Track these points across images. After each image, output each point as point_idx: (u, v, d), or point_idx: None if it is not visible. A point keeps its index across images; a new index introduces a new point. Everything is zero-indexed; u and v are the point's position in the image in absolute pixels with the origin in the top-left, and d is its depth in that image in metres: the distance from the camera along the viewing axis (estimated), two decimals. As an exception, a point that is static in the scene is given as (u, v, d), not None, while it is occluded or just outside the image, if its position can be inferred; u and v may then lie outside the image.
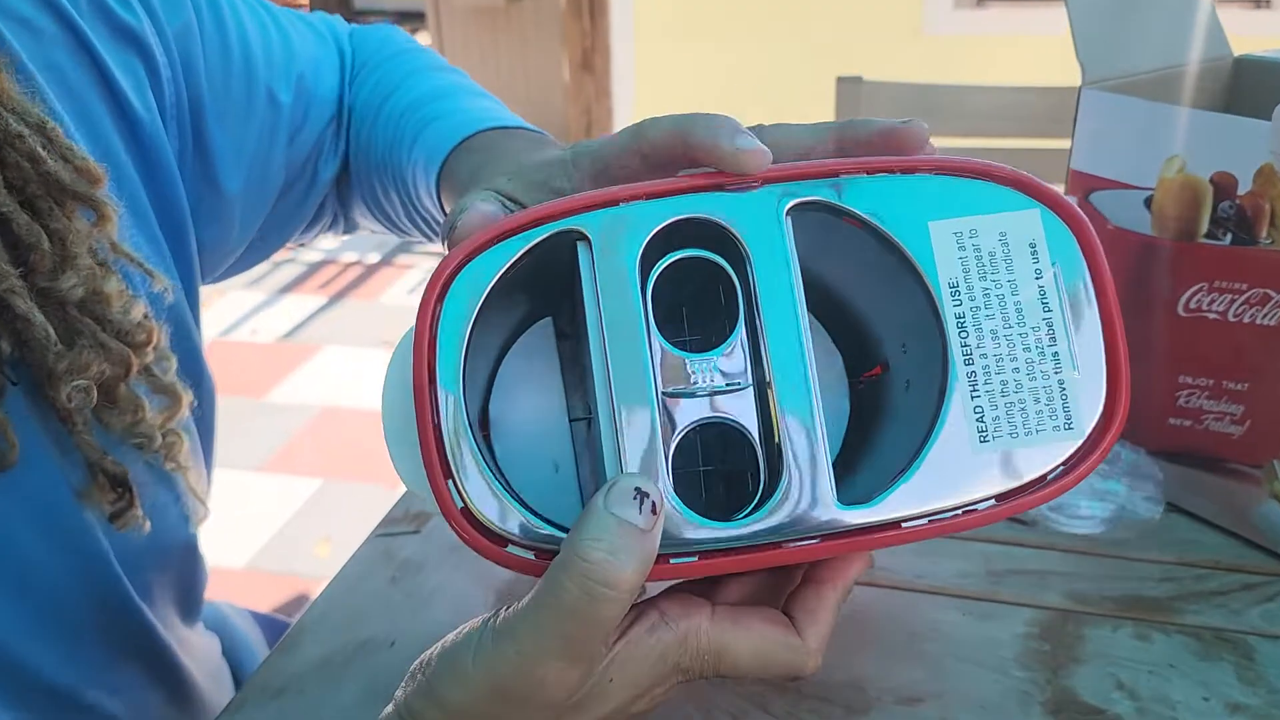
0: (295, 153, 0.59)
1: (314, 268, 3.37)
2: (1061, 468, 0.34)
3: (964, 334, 0.34)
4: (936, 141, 1.19)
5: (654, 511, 0.31)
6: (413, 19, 7.78)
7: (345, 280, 3.28)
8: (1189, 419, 0.56)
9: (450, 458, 0.33)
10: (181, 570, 0.56)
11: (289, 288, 3.27)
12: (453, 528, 0.33)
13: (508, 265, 0.34)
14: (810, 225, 0.35)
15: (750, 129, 0.37)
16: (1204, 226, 0.52)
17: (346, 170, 0.62)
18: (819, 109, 1.24)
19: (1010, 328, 0.34)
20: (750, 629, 0.34)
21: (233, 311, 3.07)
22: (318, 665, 0.48)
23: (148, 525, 0.47)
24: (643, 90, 3.49)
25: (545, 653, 0.31)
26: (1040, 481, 0.33)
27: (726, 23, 3.33)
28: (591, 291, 0.34)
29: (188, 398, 0.49)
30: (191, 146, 0.53)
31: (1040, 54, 2.51)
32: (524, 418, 0.40)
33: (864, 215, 0.35)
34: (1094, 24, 0.57)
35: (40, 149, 0.41)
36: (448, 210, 0.52)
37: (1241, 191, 0.51)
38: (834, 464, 0.34)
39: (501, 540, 0.33)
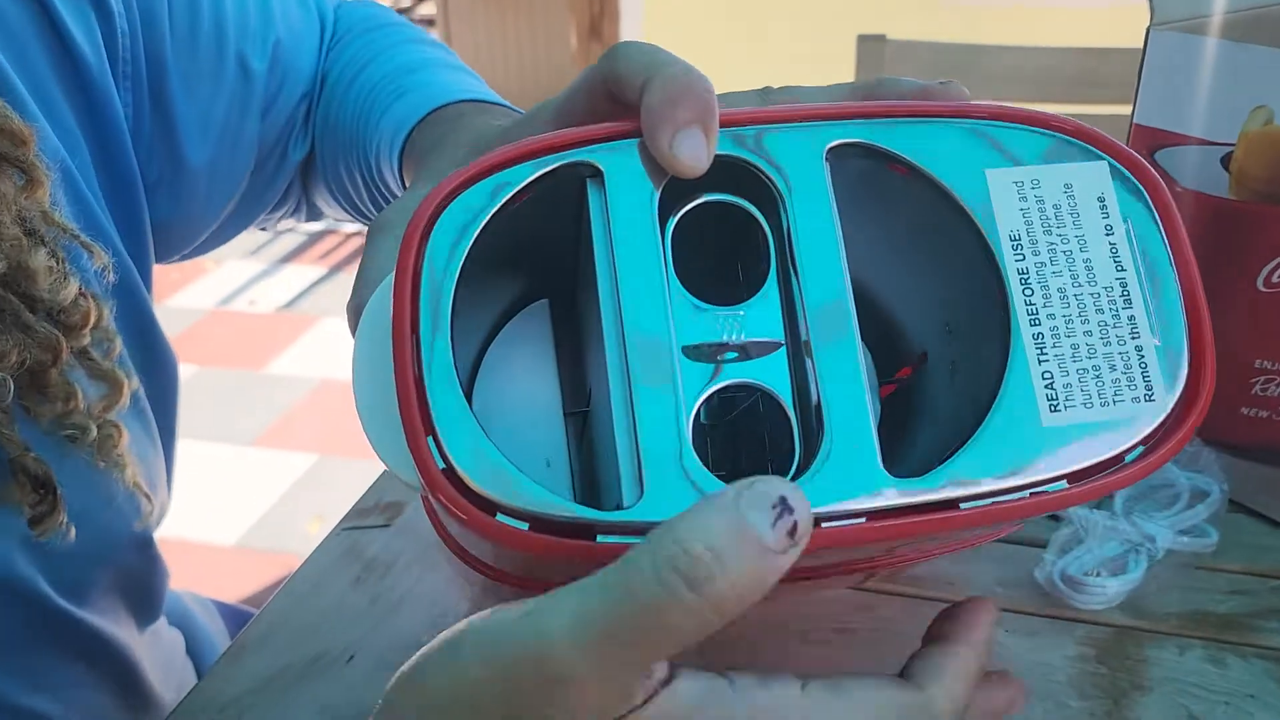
0: (268, 128, 0.54)
1: (315, 238, 3.31)
2: (1142, 446, 0.28)
3: (1028, 291, 0.29)
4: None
5: (790, 534, 0.23)
6: (420, -14, 7.70)
7: (346, 251, 3.22)
8: (1266, 409, 0.49)
9: (432, 410, 0.26)
10: (132, 570, 0.51)
11: (289, 258, 3.21)
12: (430, 493, 0.26)
13: (508, 199, 0.28)
14: (848, 179, 0.30)
15: (758, 91, 0.33)
16: (1292, 188, 0.46)
17: (312, 150, 0.57)
18: (840, 73, 1.17)
19: (1080, 286, 0.29)
20: (857, 695, 0.26)
21: (230, 281, 3.01)
22: (263, 683, 0.42)
23: (73, 532, 0.41)
24: (652, 59, 3.40)
25: (575, 643, 0.23)
26: (1118, 461, 0.28)
27: (739, -10, 3.24)
28: (602, 233, 0.28)
29: (131, 384, 0.44)
30: (150, 112, 0.48)
31: (1074, 24, 2.42)
32: (513, 408, 0.35)
33: (913, 160, 0.30)
34: (1163, -43, 0.50)
35: None
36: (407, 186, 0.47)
37: (1339, 147, 0.44)
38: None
39: (490, 507, 0.26)
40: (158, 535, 0.53)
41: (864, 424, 0.27)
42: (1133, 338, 0.29)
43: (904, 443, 0.34)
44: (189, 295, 2.83)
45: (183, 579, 0.62)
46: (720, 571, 0.22)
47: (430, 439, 0.26)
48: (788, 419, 0.28)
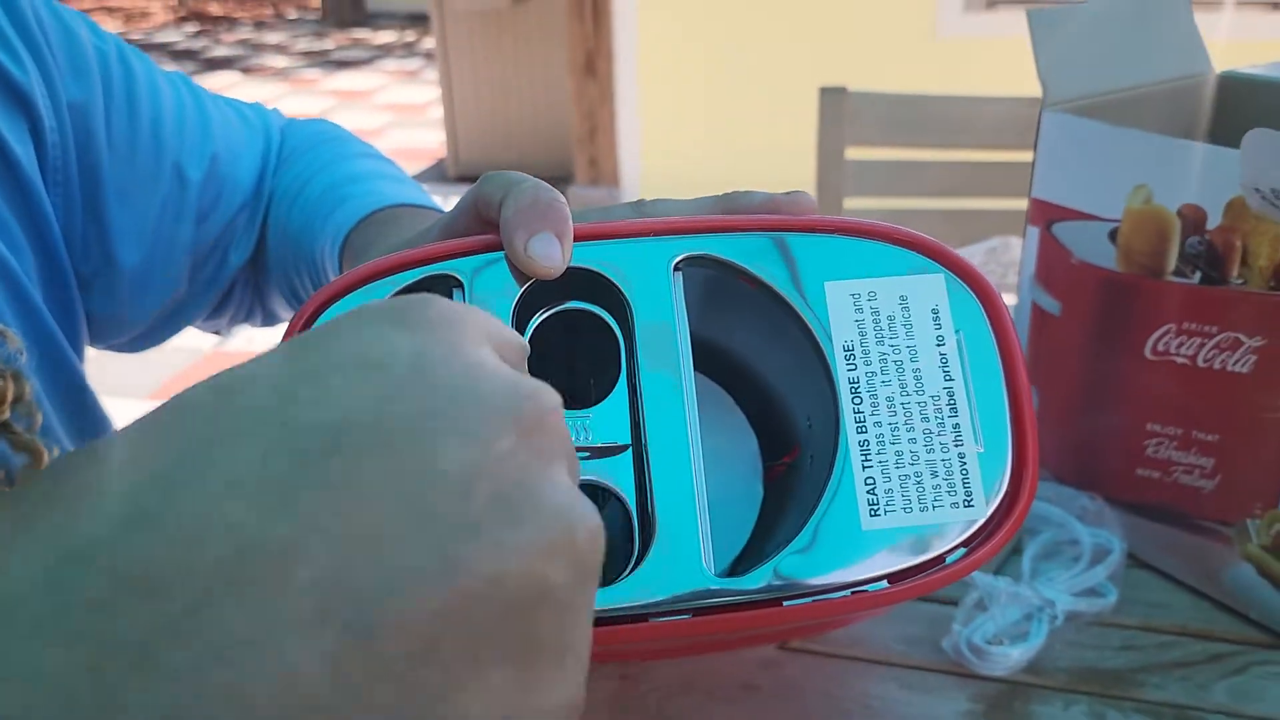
0: (204, 234, 0.57)
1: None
2: (962, 549, 0.30)
3: (858, 400, 0.31)
4: (920, 154, 1.15)
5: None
6: (422, 22, 7.81)
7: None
8: (1157, 470, 0.51)
9: None
10: None
11: (288, 294, 3.24)
12: None
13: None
14: (707, 288, 0.33)
15: (631, 204, 0.35)
16: (1172, 263, 0.48)
17: (264, 260, 0.60)
18: (809, 120, 1.20)
19: (908, 395, 0.31)
20: None
21: (230, 318, 3.05)
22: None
23: None
24: (646, 94, 3.45)
25: None
26: (937, 563, 0.30)
27: (733, 25, 3.28)
28: None
29: (52, 454, 0.46)
30: (83, 214, 0.51)
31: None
32: None
33: (755, 272, 0.32)
34: (1058, 40, 0.53)
35: None
36: None
37: (1211, 225, 0.46)
38: (744, 549, 0.30)
39: None
40: None
41: (691, 524, 0.29)
42: (956, 445, 0.31)
43: (781, 526, 0.36)
44: (186, 335, 2.86)
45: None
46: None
47: None
48: (630, 518, 0.30)
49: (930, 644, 0.49)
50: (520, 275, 0.31)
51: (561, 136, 3.96)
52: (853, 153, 1.15)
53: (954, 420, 0.31)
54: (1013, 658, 0.47)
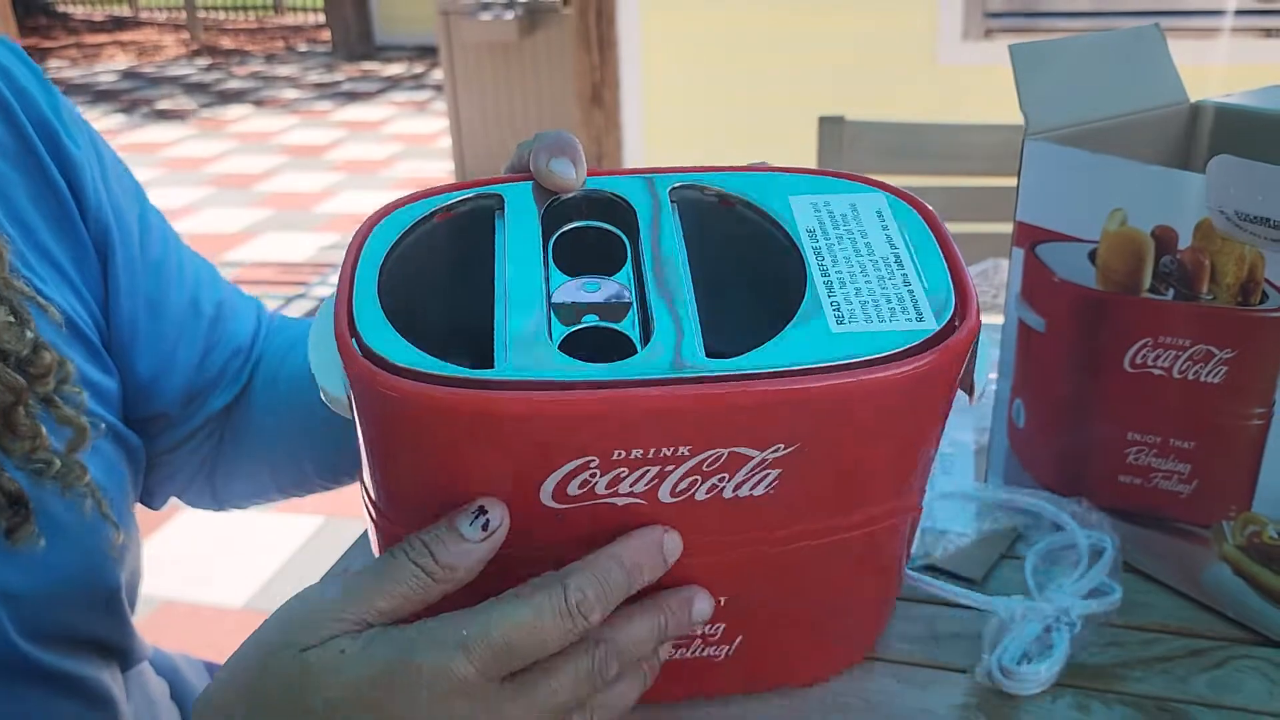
0: (205, 368, 0.60)
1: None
2: (919, 347, 0.35)
3: (820, 258, 0.38)
4: (917, 180, 1.19)
5: (484, 528, 0.36)
6: (430, 54, 7.92)
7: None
8: (1139, 476, 0.54)
9: (356, 322, 0.35)
10: (102, 608, 0.55)
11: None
12: (352, 373, 0.35)
13: (430, 213, 0.40)
14: (693, 207, 0.42)
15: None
16: (1147, 281, 0.51)
17: (243, 425, 0.63)
18: (807, 148, 1.24)
19: (861, 255, 0.38)
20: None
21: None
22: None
23: (42, 541, 0.47)
24: (651, 123, 3.50)
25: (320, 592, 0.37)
26: (898, 357, 0.35)
27: (736, 55, 3.34)
28: (501, 237, 0.39)
29: (97, 432, 0.50)
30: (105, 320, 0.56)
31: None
32: (440, 335, 0.42)
33: (732, 193, 0.41)
34: (1039, 72, 0.57)
35: None
36: None
37: (1182, 246, 0.49)
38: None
39: (401, 372, 0.34)
40: (169, 596, 0.58)
41: (687, 320, 0.36)
42: (905, 285, 0.37)
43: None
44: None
45: (190, 641, 0.67)
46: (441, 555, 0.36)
47: (354, 340, 0.35)
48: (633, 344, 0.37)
49: (927, 641, 0.52)
50: (544, 194, 0.40)
51: (568, 165, 4.01)
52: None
53: (901, 271, 0.37)
54: (1042, 674, 0.48)
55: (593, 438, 0.34)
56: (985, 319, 0.80)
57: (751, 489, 0.36)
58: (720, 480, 0.35)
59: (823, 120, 1.17)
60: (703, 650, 0.45)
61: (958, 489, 0.62)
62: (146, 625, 1.72)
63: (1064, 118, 0.56)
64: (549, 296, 0.37)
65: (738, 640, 0.44)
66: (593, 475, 0.35)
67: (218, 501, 0.67)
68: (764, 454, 0.35)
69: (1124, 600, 0.54)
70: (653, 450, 0.34)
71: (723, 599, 0.41)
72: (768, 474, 0.35)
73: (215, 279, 0.62)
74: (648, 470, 0.35)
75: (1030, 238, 0.56)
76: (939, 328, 0.35)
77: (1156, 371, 0.52)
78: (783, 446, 0.35)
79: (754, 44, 3.31)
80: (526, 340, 0.35)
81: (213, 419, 0.62)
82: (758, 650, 0.45)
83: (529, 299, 0.36)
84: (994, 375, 0.68)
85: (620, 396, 0.33)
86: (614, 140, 3.60)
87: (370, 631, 0.36)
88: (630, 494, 0.35)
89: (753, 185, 0.41)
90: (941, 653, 0.51)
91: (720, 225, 0.42)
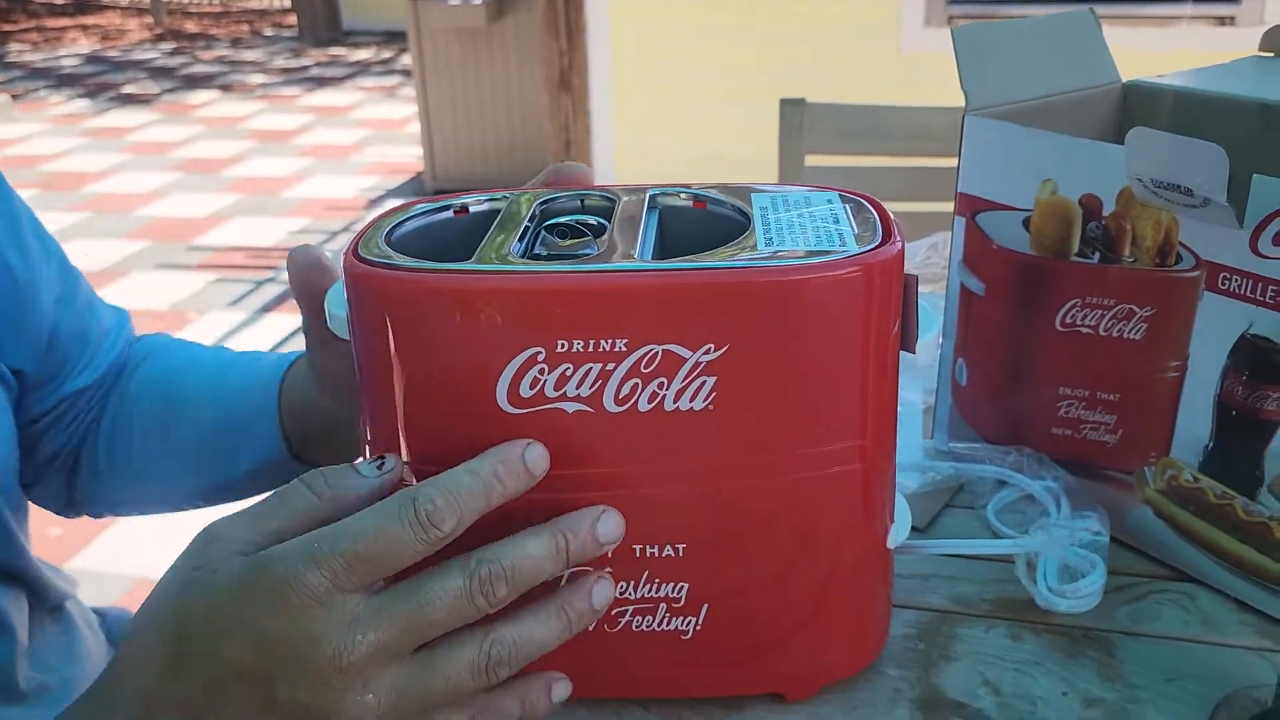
0: (54, 348, 0.62)
1: (295, 287, 3.39)
2: (841, 261, 0.39)
3: (766, 215, 0.44)
4: (878, 160, 1.22)
5: (379, 466, 0.40)
6: (398, 39, 7.88)
7: (326, 299, 3.30)
8: (1069, 428, 0.59)
9: (360, 249, 0.41)
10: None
11: (269, 307, 3.29)
12: (348, 277, 0.40)
13: (443, 207, 0.47)
14: (667, 209, 0.47)
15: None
16: (1075, 245, 0.55)
17: (119, 417, 0.65)
18: (769, 129, 1.28)
19: (804, 220, 0.43)
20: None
21: (211, 332, 3.09)
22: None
23: None
24: (619, 109, 3.53)
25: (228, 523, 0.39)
26: (818, 267, 0.39)
27: (703, 42, 3.37)
28: (497, 218, 0.45)
29: None
30: None
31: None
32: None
33: (703, 194, 0.47)
34: (979, 53, 0.60)
35: None
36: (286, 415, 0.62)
37: (1106, 213, 0.53)
38: None
39: (383, 268, 0.39)
40: (147, 575, 0.61)
41: (641, 236, 0.42)
42: (837, 231, 0.41)
43: None
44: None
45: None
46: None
47: (355, 256, 0.41)
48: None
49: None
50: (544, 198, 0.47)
51: (537, 150, 4.03)
52: (812, 160, 1.23)
53: (837, 227, 0.42)
54: (1089, 588, 0.51)
55: (537, 324, 0.38)
56: (936, 293, 0.84)
57: (690, 400, 0.39)
58: (660, 387, 0.38)
59: (784, 103, 1.21)
60: (669, 620, 0.44)
61: (905, 445, 0.67)
62: (127, 602, 1.72)
63: (1002, 95, 0.60)
64: (522, 237, 0.43)
65: (704, 609, 0.44)
66: (541, 372, 0.38)
67: (74, 508, 0.69)
68: (696, 355, 0.38)
69: (1056, 543, 0.58)
70: (592, 343, 0.38)
71: (680, 547, 0.42)
72: (704, 382, 0.39)
73: (74, 277, 0.65)
74: (591, 368, 0.38)
75: (970, 207, 0.60)
76: (861, 250, 0.39)
77: (1084, 330, 0.56)
78: (713, 348, 0.38)
79: (720, 31, 3.34)
80: (494, 251, 0.40)
81: (67, 403, 0.64)
82: (728, 628, 0.45)
83: (506, 238, 0.42)
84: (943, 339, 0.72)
85: (559, 278, 0.38)
86: (582, 126, 3.62)
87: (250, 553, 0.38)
88: (578, 398, 0.39)
89: (726, 191, 0.47)
90: (895, 593, 0.55)
91: (690, 215, 0.47)
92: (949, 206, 0.60)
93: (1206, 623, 0.52)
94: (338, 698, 0.36)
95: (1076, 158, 0.54)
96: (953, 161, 1.14)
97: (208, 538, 0.39)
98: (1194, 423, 0.53)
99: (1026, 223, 0.57)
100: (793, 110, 1.19)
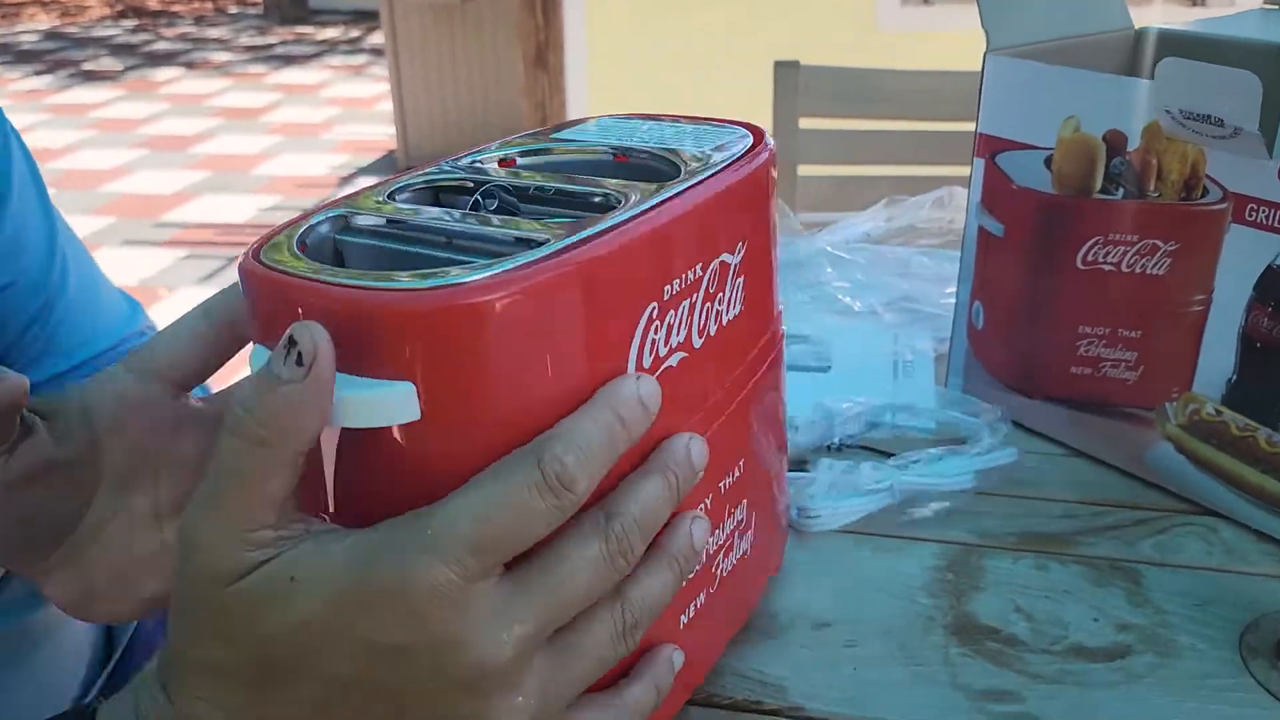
0: None
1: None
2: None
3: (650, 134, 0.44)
4: (869, 124, 1.23)
5: (298, 363, 0.28)
6: (366, 18, 7.79)
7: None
8: (1089, 367, 0.59)
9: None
10: None
11: (242, 284, 3.25)
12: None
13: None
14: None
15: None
16: (1098, 182, 0.56)
17: None
18: (763, 93, 1.27)
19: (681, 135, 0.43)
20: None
21: (184, 308, 3.05)
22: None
23: None
24: (596, 86, 3.51)
25: (199, 517, 0.30)
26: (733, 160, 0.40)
27: (680, 20, 3.36)
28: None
29: None
30: None
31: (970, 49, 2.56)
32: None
33: (627, 148, 0.44)
34: (999, -5, 0.60)
35: None
36: None
37: (1131, 148, 0.54)
38: None
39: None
40: None
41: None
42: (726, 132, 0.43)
43: None
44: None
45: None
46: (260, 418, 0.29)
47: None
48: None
49: (899, 523, 0.56)
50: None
51: (513, 128, 4.00)
52: (806, 123, 1.23)
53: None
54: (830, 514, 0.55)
55: (649, 274, 0.34)
56: (943, 247, 0.85)
57: (733, 308, 0.39)
58: (720, 303, 0.38)
59: (778, 65, 1.21)
60: (738, 548, 0.43)
61: (917, 392, 0.67)
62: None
63: (1021, 37, 0.60)
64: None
65: (752, 520, 0.44)
66: (656, 331, 0.34)
67: None
68: (736, 258, 0.38)
69: (1077, 481, 0.59)
70: (679, 279, 0.35)
71: (740, 463, 0.41)
72: (739, 282, 0.39)
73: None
74: (683, 305, 0.35)
75: (990, 148, 0.60)
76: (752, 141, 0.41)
77: (1106, 267, 0.56)
78: (742, 245, 0.38)
79: (696, 10, 3.33)
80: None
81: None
82: (759, 536, 0.45)
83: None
84: (951, 289, 0.73)
85: (649, 220, 0.34)
86: (559, 103, 3.60)
87: (299, 543, 0.30)
88: (678, 347, 0.36)
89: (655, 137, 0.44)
90: (914, 529, 0.55)
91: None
92: (942, 170, 0.61)
93: (1230, 553, 0.53)
94: (484, 706, 0.31)
95: (1100, 93, 0.54)
96: (948, 125, 1.14)
97: (191, 549, 0.31)
98: (1218, 356, 0.53)
99: (1048, 161, 0.57)
100: (787, 73, 1.19)
